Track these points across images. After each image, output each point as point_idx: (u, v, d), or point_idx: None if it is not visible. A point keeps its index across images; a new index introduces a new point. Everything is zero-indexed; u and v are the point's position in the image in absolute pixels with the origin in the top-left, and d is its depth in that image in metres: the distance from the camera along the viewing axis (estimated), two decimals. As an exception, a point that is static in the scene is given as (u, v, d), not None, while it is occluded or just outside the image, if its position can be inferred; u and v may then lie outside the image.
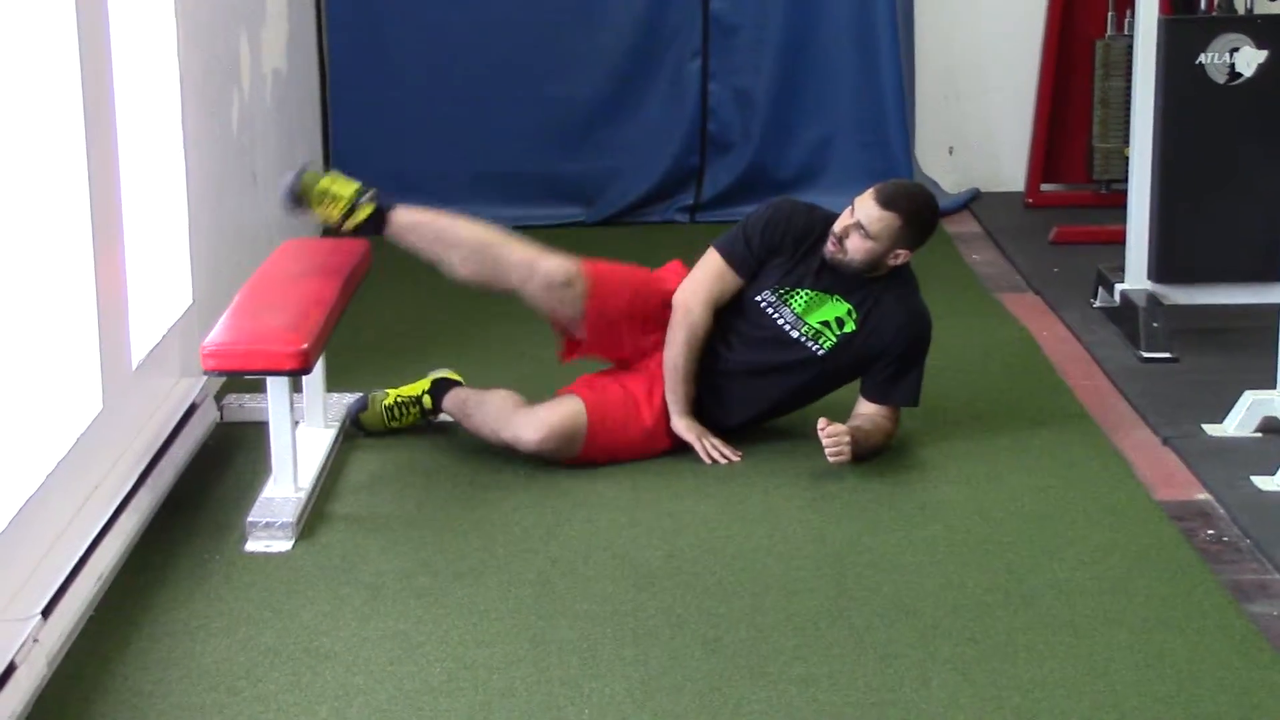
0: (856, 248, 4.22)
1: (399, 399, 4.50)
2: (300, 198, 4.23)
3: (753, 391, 4.37)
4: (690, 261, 4.43)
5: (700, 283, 4.33)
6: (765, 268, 4.33)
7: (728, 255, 4.33)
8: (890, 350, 4.28)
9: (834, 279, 4.29)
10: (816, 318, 4.29)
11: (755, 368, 4.34)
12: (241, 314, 4.09)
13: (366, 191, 4.27)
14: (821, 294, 4.30)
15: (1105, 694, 3.14)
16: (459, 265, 4.31)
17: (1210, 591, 3.57)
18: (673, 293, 4.35)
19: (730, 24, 7.04)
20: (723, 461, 4.28)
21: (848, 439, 4.13)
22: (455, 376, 4.57)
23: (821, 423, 4.14)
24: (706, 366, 4.34)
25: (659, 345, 4.35)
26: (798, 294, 4.31)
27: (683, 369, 4.30)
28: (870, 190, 4.24)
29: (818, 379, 4.36)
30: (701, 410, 4.37)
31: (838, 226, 4.24)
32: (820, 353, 4.30)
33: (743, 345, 4.34)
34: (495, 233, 4.34)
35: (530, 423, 4.24)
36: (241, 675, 3.23)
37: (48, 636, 3.22)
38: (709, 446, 4.30)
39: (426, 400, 4.49)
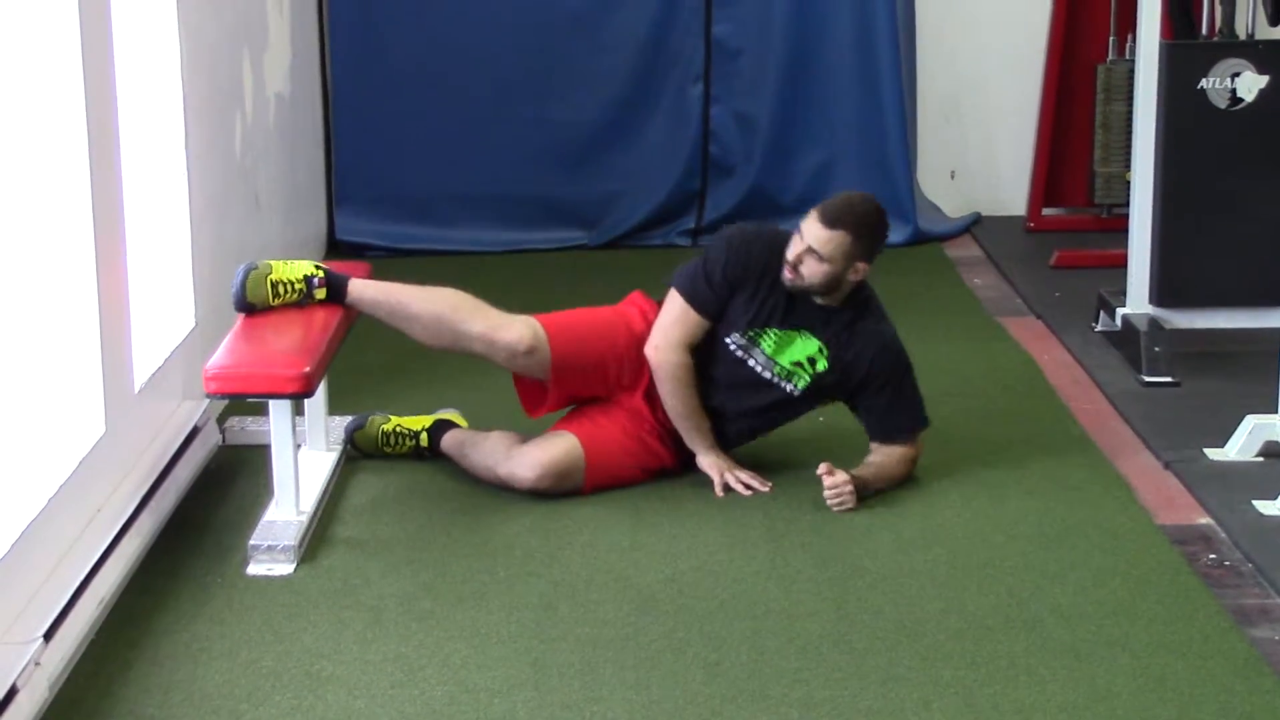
0: (813, 272, 4.17)
1: (398, 428, 4.49)
2: (251, 305, 4.20)
3: (737, 426, 4.36)
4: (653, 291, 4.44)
5: (668, 330, 4.29)
6: (731, 305, 4.28)
7: (690, 297, 4.28)
8: (870, 383, 4.27)
9: (801, 314, 4.25)
10: (788, 358, 4.26)
11: (735, 410, 4.33)
12: (244, 337, 4.10)
13: (315, 274, 4.25)
14: (790, 331, 4.26)
15: (1107, 718, 3.14)
16: (420, 337, 4.31)
17: (1212, 616, 3.57)
18: (638, 329, 4.34)
19: (733, 48, 7.05)
20: (749, 493, 4.26)
21: (849, 489, 4.12)
22: (459, 420, 4.56)
23: (822, 469, 4.14)
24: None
25: (636, 381, 4.34)
26: (767, 334, 4.27)
27: (684, 412, 4.29)
28: (814, 211, 4.19)
29: (801, 408, 4.37)
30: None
31: (790, 254, 4.18)
32: (795, 393, 4.29)
33: (718, 390, 4.32)
34: (449, 301, 4.29)
35: (524, 462, 4.23)
36: (243, 699, 3.23)
37: (49, 660, 3.22)
38: (737, 480, 4.28)
39: (424, 439, 4.48)
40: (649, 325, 4.34)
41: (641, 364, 4.32)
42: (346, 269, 4.44)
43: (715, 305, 4.28)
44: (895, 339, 4.31)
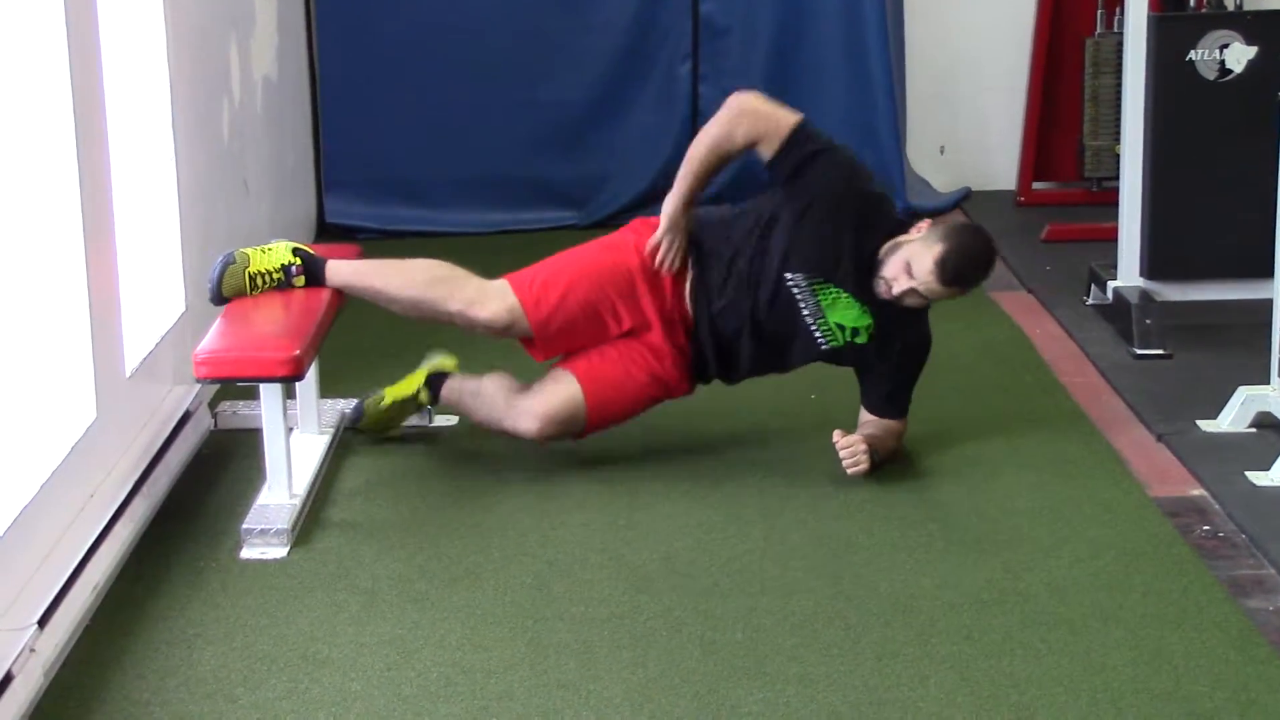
0: (916, 302, 4.10)
1: (395, 400, 4.49)
2: (226, 300, 4.20)
3: (753, 357, 4.28)
4: None
5: (764, 101, 4.20)
6: (804, 225, 4.13)
7: (805, 127, 4.15)
8: (890, 358, 4.24)
9: (870, 293, 4.14)
10: (836, 318, 4.18)
11: (757, 342, 4.24)
12: (233, 321, 4.09)
13: (293, 261, 4.25)
14: (853, 299, 4.17)
15: (1102, 690, 3.14)
16: (401, 314, 4.32)
17: (1206, 587, 3.57)
18: (632, 264, 4.25)
19: (721, 26, 7.04)
20: (661, 265, 4.21)
21: (864, 448, 4.10)
22: (448, 364, 4.54)
23: (837, 434, 4.13)
24: (714, 326, 4.25)
25: (641, 321, 4.25)
26: (829, 290, 4.17)
27: (696, 160, 4.21)
28: (931, 258, 4.02)
29: (813, 361, 4.30)
30: (707, 366, 4.31)
31: (894, 283, 4.06)
32: (824, 346, 4.22)
33: (758, 315, 4.20)
34: (425, 278, 4.27)
35: (526, 414, 4.22)
36: (239, 683, 3.23)
37: (44, 646, 3.22)
38: (666, 247, 4.22)
39: (424, 395, 4.47)
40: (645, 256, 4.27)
41: (644, 300, 4.25)
42: (334, 251, 4.44)
43: (805, 170, 4.12)
44: (930, 339, 4.29)
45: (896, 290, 4.07)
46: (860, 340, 4.21)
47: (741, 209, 4.32)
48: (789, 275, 4.17)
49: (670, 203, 4.26)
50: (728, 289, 4.22)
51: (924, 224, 4.16)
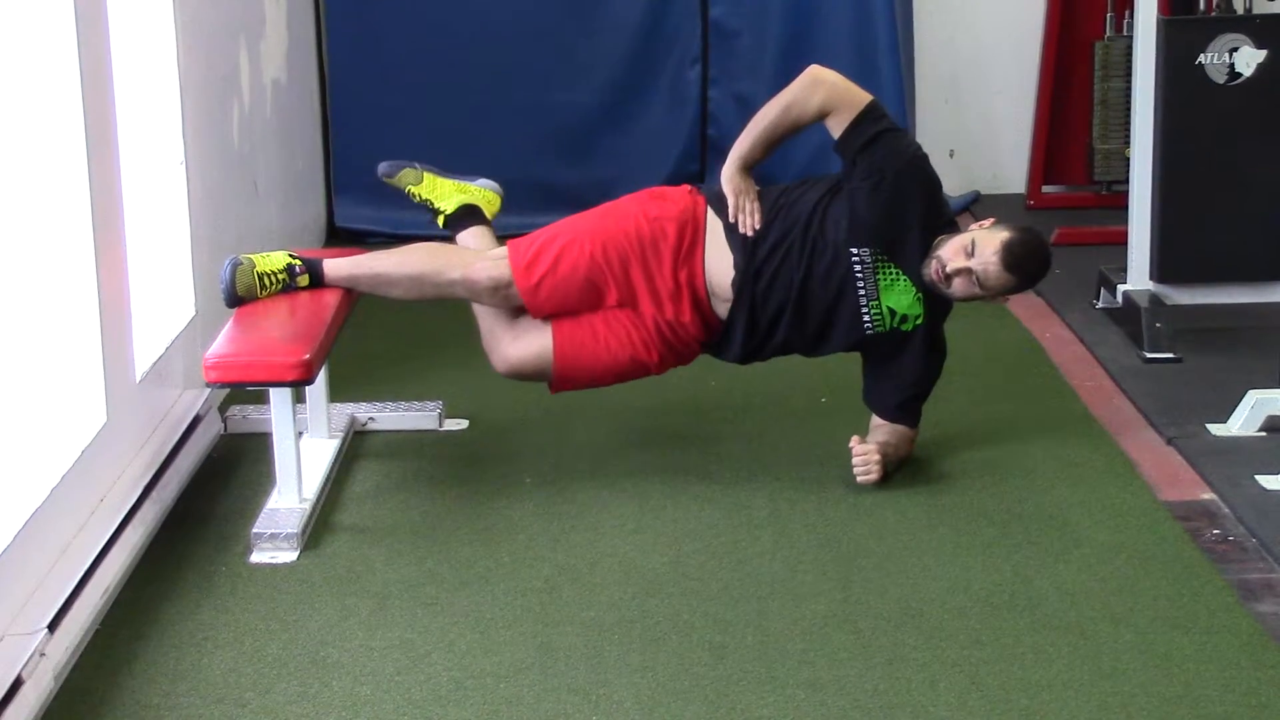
0: (962, 288, 4.06)
1: (425, 200, 4.55)
2: (241, 299, 4.22)
3: (789, 335, 4.21)
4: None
5: (840, 76, 4.18)
6: (879, 197, 4.08)
7: (879, 106, 4.16)
8: (905, 362, 4.23)
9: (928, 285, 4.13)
10: (890, 301, 4.14)
11: (800, 320, 4.18)
12: (243, 325, 4.10)
13: (294, 262, 4.28)
14: (909, 283, 4.13)
15: (1112, 695, 3.14)
16: (405, 297, 4.32)
17: (1216, 591, 3.57)
18: (634, 230, 4.21)
19: (730, 29, 7.04)
20: (744, 225, 4.16)
21: (877, 458, 4.10)
22: (488, 206, 4.57)
23: (854, 440, 4.13)
24: (754, 298, 4.17)
25: (633, 298, 4.20)
26: (890, 270, 4.13)
27: (765, 121, 4.19)
28: (998, 240, 4.03)
29: (850, 343, 4.23)
30: (730, 340, 4.24)
31: (950, 262, 4.03)
32: (869, 330, 4.17)
33: (809, 287, 4.14)
34: (420, 256, 4.28)
35: (499, 354, 4.25)
36: (249, 687, 3.23)
37: (54, 650, 3.22)
38: (742, 205, 4.18)
39: (441, 221, 4.52)
40: (653, 224, 4.22)
41: (634, 272, 4.19)
42: (329, 254, 4.45)
43: (871, 148, 4.10)
44: (945, 344, 4.29)
45: (950, 268, 4.02)
46: (905, 328, 4.18)
47: (791, 184, 4.29)
48: (855, 250, 4.12)
49: (729, 165, 4.22)
50: (775, 258, 4.15)
51: (987, 220, 4.17)
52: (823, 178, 4.26)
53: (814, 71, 4.21)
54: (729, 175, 4.21)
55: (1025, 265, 4.06)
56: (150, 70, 4.43)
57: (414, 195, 4.53)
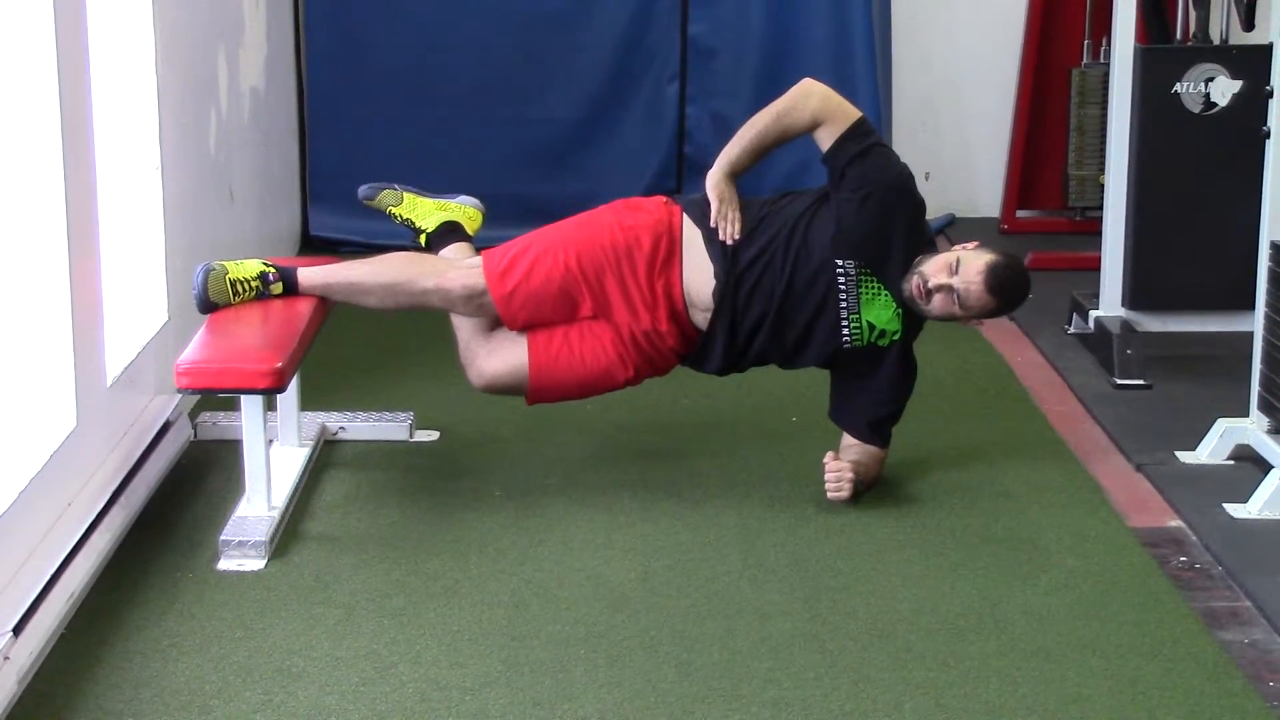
0: (941, 306, 4.07)
1: (405, 219, 4.51)
2: (214, 305, 4.21)
3: (765, 346, 4.20)
4: None
5: (832, 92, 4.21)
6: (867, 211, 4.09)
7: (865, 124, 4.18)
8: (888, 365, 4.24)
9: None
10: (870, 316, 4.15)
11: (779, 329, 4.18)
12: (216, 332, 4.09)
13: (268, 269, 4.26)
14: (890, 298, 4.15)
15: (1077, 720, 3.15)
16: (378, 306, 4.30)
17: (1182, 618, 3.58)
18: (609, 241, 4.21)
19: (708, 47, 7.06)
20: (725, 233, 4.16)
21: (850, 476, 4.11)
22: (469, 224, 4.55)
23: (829, 457, 4.14)
24: (735, 307, 4.16)
25: (606, 310, 4.19)
26: (872, 284, 4.14)
27: (755, 129, 4.21)
28: (983, 262, 4.05)
29: (825, 357, 4.23)
30: (709, 352, 4.23)
31: (933, 277, 4.05)
32: (846, 344, 4.17)
33: (790, 298, 4.15)
34: (395, 265, 4.26)
35: (475, 368, 4.25)
36: (214, 694, 3.22)
37: (18, 654, 3.21)
38: (724, 212, 4.17)
39: (423, 240, 4.48)
40: (628, 233, 4.22)
41: (609, 283, 4.18)
42: (322, 260, 4.44)
43: (857, 163, 4.13)
44: (915, 364, 4.31)
45: (933, 284, 4.04)
46: (882, 344, 4.19)
47: (774, 197, 4.29)
48: (840, 261, 4.13)
49: (714, 171, 4.22)
50: (757, 267, 4.15)
51: (971, 243, 4.19)
52: (806, 191, 4.28)
53: (807, 84, 4.24)
54: (714, 181, 4.21)
55: (1007, 289, 4.08)
56: (128, 75, 4.42)
57: (395, 216, 4.52)
